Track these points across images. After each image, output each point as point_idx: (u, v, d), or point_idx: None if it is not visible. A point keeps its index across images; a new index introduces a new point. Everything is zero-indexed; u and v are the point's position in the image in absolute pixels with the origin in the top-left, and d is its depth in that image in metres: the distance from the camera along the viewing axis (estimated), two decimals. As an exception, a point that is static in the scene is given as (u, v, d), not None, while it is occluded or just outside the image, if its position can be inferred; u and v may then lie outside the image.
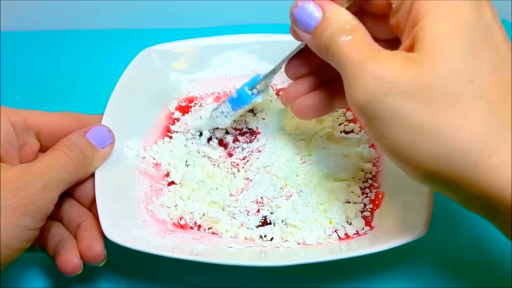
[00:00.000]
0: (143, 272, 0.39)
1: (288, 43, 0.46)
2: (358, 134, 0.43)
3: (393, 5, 0.28)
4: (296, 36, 0.31)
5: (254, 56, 0.47)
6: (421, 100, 0.24)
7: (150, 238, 0.37)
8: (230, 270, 0.38)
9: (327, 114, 0.40)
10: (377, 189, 0.40)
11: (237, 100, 0.40)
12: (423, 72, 0.24)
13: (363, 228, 0.38)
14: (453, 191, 0.27)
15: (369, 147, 0.42)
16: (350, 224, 0.38)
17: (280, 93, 0.46)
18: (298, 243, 0.38)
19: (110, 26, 0.56)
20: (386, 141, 0.26)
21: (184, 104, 0.46)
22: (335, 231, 0.38)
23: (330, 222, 0.39)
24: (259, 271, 0.38)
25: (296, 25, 0.30)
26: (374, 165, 0.41)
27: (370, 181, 0.41)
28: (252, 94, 0.40)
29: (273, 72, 0.38)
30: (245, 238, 0.38)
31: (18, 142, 0.35)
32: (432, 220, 0.34)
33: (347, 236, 0.38)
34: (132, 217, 0.37)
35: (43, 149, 0.36)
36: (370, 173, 0.41)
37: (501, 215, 0.25)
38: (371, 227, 0.38)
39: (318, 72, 0.35)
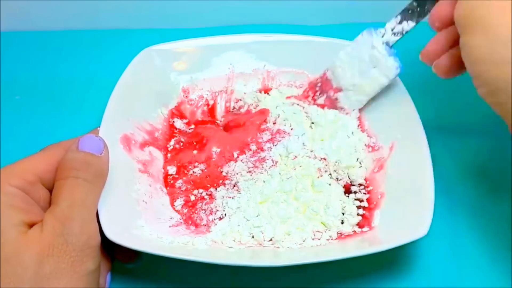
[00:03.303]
0: (143, 272, 0.39)
1: (288, 43, 0.46)
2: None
3: None
4: None
5: (254, 56, 0.47)
6: (504, 12, 0.29)
7: (150, 238, 0.37)
8: (230, 270, 0.38)
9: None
10: (375, 189, 0.40)
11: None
12: None
13: (362, 229, 0.38)
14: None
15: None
16: (345, 223, 0.39)
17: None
18: (296, 243, 0.38)
19: (110, 26, 0.56)
20: (468, 49, 0.31)
21: (183, 103, 0.46)
22: (329, 230, 0.38)
23: (322, 223, 0.39)
24: (259, 271, 0.38)
25: None
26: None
27: (367, 182, 0.41)
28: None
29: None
30: (240, 242, 0.38)
31: (34, 199, 0.33)
32: (433, 220, 0.34)
33: (343, 235, 0.38)
34: (132, 217, 0.37)
35: (50, 189, 0.34)
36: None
37: None
38: (371, 227, 0.38)
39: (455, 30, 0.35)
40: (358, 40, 0.41)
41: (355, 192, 0.41)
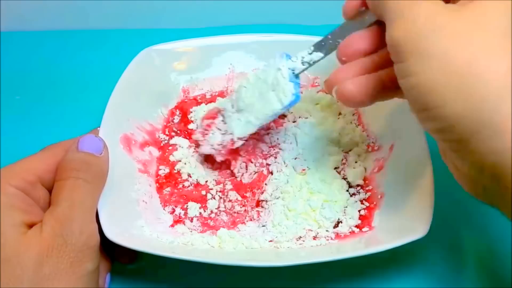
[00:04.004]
0: (143, 273, 0.39)
1: (288, 43, 0.46)
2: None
3: None
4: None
5: (254, 56, 0.47)
6: (463, 41, 0.25)
7: (150, 238, 0.37)
8: (230, 270, 0.38)
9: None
10: (375, 189, 0.40)
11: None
12: (470, 17, 0.26)
13: (362, 229, 0.38)
14: (462, 147, 0.26)
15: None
16: (343, 223, 0.39)
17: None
18: (295, 239, 0.38)
19: (110, 26, 0.56)
20: (413, 78, 0.26)
21: (184, 103, 0.46)
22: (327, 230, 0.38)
23: (314, 220, 0.39)
24: (259, 271, 0.38)
25: None
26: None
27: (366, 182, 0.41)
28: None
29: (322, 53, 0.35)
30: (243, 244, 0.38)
31: (34, 199, 0.33)
32: (433, 220, 0.34)
33: (343, 235, 0.38)
34: (132, 217, 0.37)
35: (50, 189, 0.34)
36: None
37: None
38: (371, 228, 0.38)
39: (370, 59, 0.32)
40: (270, 63, 0.38)
41: (354, 194, 0.41)
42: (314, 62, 0.36)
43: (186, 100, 0.46)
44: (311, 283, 0.38)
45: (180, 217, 0.40)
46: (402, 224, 0.36)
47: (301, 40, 0.46)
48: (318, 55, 0.35)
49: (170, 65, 0.46)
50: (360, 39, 0.32)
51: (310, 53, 0.36)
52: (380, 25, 0.31)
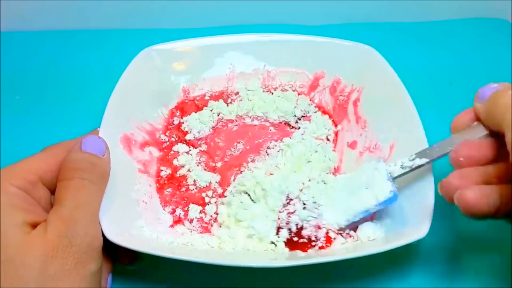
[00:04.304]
0: (143, 273, 0.39)
1: (288, 43, 0.46)
2: None
3: None
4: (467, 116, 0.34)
5: (254, 56, 0.47)
6: None
7: (150, 238, 0.37)
8: (230, 270, 0.38)
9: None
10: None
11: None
12: None
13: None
14: None
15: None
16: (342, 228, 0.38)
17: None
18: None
19: (110, 26, 0.56)
20: None
21: (184, 104, 0.46)
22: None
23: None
24: (259, 271, 0.38)
25: (476, 100, 0.33)
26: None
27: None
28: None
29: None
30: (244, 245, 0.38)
31: (35, 199, 0.33)
32: (433, 220, 0.34)
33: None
34: (133, 217, 0.37)
35: (51, 189, 0.34)
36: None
37: None
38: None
39: (485, 170, 0.32)
40: (363, 167, 0.38)
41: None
42: (417, 167, 0.35)
43: (186, 100, 0.46)
44: (310, 284, 0.38)
45: (180, 217, 0.40)
46: (402, 225, 0.36)
47: (301, 40, 0.46)
48: (423, 160, 0.35)
49: (170, 65, 0.46)
50: (478, 147, 0.32)
51: (411, 159, 0.36)
52: (492, 138, 0.32)
